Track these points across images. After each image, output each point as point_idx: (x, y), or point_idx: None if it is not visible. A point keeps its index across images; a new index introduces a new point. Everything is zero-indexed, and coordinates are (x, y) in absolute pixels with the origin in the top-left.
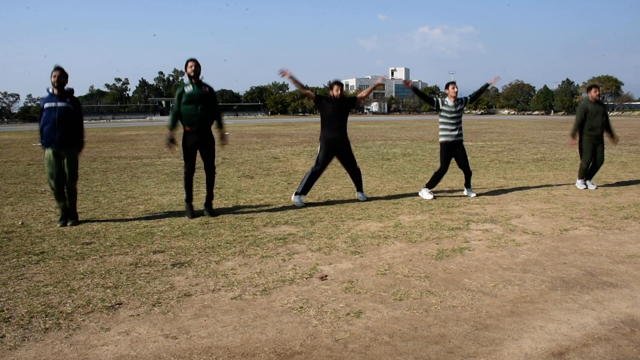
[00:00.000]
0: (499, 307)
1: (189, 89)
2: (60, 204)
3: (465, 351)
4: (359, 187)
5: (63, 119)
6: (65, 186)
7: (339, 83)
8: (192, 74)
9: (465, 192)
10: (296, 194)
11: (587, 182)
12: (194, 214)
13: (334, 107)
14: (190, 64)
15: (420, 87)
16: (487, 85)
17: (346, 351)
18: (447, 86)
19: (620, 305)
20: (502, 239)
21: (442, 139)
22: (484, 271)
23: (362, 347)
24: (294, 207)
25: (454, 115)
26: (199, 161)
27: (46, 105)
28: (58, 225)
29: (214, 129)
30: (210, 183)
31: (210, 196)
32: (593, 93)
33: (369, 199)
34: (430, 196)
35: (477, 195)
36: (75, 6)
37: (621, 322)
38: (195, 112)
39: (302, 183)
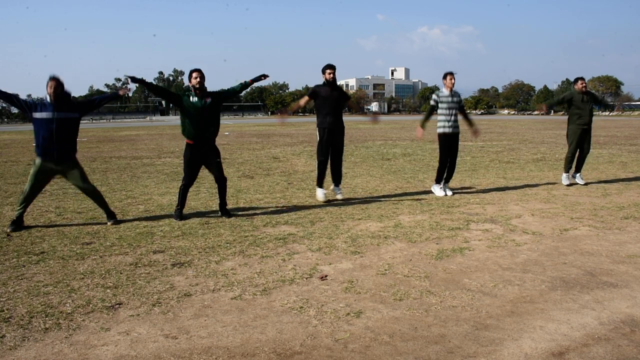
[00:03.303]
0: (499, 307)
1: (193, 99)
2: (20, 210)
3: (465, 351)
4: (337, 180)
5: (62, 131)
6: (83, 193)
7: (331, 66)
8: (196, 85)
9: (440, 186)
10: (317, 187)
11: (576, 175)
12: (182, 218)
13: (327, 91)
14: (194, 75)
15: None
16: (473, 131)
17: (346, 351)
18: (445, 76)
19: (620, 305)
20: (502, 239)
21: (439, 131)
22: (484, 271)
23: (362, 347)
24: (294, 207)
25: (450, 105)
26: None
27: (43, 115)
28: (8, 230)
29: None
30: (223, 192)
31: (224, 203)
32: (579, 84)
33: (366, 199)
34: (442, 193)
35: (453, 194)
36: (75, 6)
37: (621, 322)
38: (199, 126)
39: (317, 176)
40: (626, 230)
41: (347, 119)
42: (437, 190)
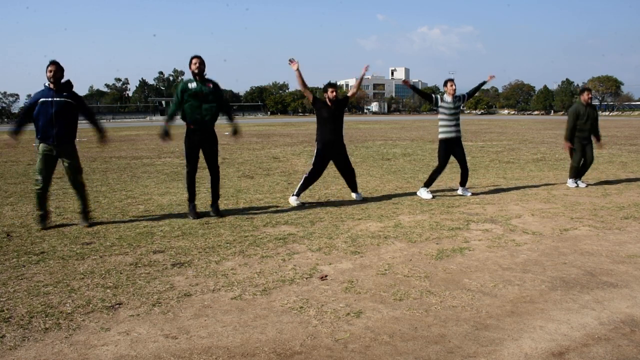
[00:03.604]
0: (499, 307)
1: (192, 85)
2: (40, 205)
3: (465, 351)
4: (354, 188)
5: (60, 114)
6: (71, 184)
7: (333, 85)
8: (196, 71)
9: (460, 192)
10: (293, 195)
11: (578, 181)
12: (197, 214)
13: (330, 110)
14: (194, 60)
15: (420, 87)
16: (484, 82)
17: (346, 351)
18: (445, 83)
19: (620, 305)
20: (502, 239)
21: (441, 136)
22: (484, 271)
23: (362, 347)
24: (294, 207)
25: (452, 112)
26: (202, 161)
27: (42, 99)
28: (40, 227)
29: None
30: (215, 183)
31: (216, 196)
32: (585, 96)
33: (366, 199)
34: (429, 196)
35: (474, 194)
36: (75, 6)
37: (621, 322)
38: (199, 110)
39: (298, 185)
40: (626, 230)
41: (347, 118)
42: (424, 194)
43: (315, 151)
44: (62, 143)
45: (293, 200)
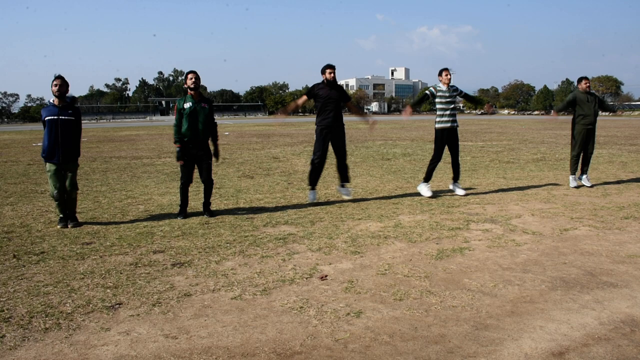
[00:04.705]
0: (499, 307)
1: (188, 105)
2: (60, 209)
3: (465, 351)
4: (344, 179)
5: (65, 133)
6: (65, 195)
7: (331, 66)
8: (192, 86)
9: (451, 187)
10: (310, 190)
11: (583, 177)
12: (185, 215)
13: (327, 91)
14: (190, 76)
15: (420, 87)
16: (483, 105)
17: (346, 351)
18: (440, 73)
19: (620, 305)
20: (502, 239)
21: (437, 126)
22: (484, 271)
23: (362, 347)
24: (294, 207)
25: (448, 100)
26: (196, 171)
27: (48, 117)
28: (58, 226)
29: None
30: (208, 193)
31: (207, 203)
32: (583, 84)
33: (366, 199)
34: (430, 193)
35: (466, 194)
36: (75, 6)
37: (621, 322)
38: (194, 128)
39: (309, 177)
40: (626, 230)
41: (347, 119)
42: (425, 190)
43: (315, 136)
44: (66, 161)
45: (310, 195)
